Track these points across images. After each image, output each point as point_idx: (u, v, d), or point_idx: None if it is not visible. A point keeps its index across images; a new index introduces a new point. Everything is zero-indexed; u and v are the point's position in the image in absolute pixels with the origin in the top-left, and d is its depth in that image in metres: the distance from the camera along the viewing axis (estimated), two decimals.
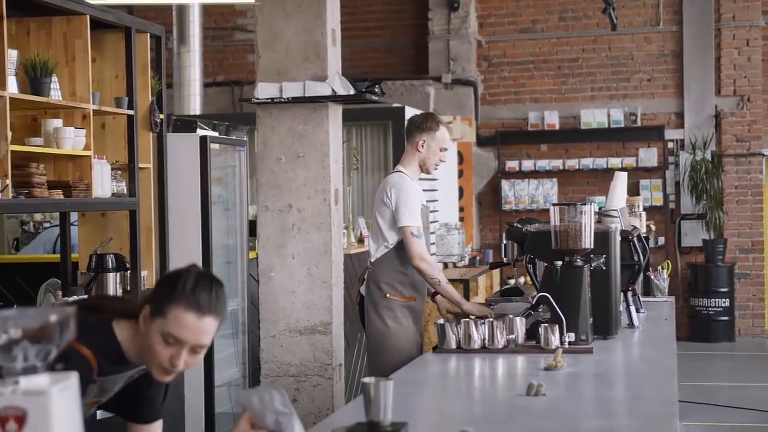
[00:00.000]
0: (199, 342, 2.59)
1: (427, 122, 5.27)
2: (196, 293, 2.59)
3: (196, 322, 2.57)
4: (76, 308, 2.57)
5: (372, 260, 5.29)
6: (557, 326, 4.19)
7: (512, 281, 11.91)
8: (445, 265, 10.22)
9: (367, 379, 2.72)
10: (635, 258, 5.03)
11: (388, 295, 5.16)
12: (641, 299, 5.58)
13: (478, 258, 11.06)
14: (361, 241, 7.83)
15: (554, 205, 4.43)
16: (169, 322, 2.57)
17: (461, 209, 12.31)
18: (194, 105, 10.33)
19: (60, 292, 5.39)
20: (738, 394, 9.27)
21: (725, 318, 12.18)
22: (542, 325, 4.22)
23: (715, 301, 12.13)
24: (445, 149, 5.29)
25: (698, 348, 11.88)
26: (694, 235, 12.46)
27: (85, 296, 4.95)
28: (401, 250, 5.13)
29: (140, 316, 2.63)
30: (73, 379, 1.80)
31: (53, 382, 1.76)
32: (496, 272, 11.18)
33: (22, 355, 1.75)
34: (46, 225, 8.37)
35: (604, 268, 4.50)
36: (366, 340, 5.37)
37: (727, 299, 12.16)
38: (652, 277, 6.37)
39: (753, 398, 8.94)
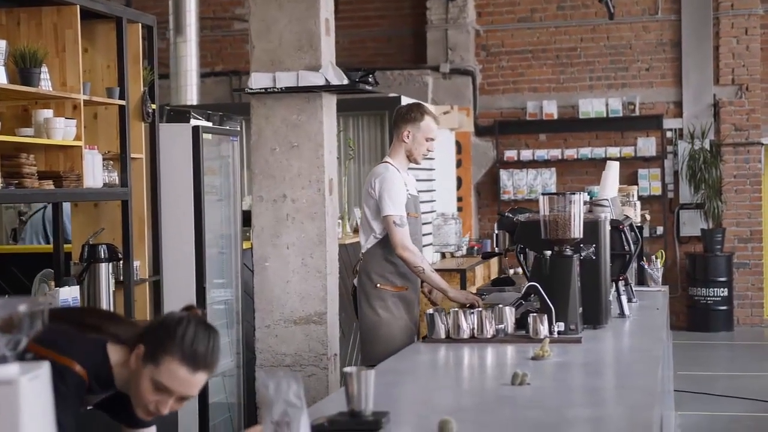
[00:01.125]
0: (189, 393, 2.60)
1: (411, 113, 5.28)
2: (194, 346, 2.57)
3: (189, 376, 2.57)
4: (71, 326, 2.58)
5: (363, 251, 5.31)
6: (546, 316, 4.20)
7: (511, 271, 11.92)
8: (443, 255, 10.23)
9: (348, 369, 2.74)
10: (626, 247, 5.02)
11: (378, 285, 5.18)
12: (634, 289, 5.57)
13: (476, 248, 11.06)
14: (356, 231, 7.83)
15: (544, 194, 4.44)
16: (162, 372, 2.56)
17: (460, 199, 12.31)
18: (191, 95, 10.32)
19: (53, 282, 5.40)
20: (736, 383, 9.28)
21: (724, 307, 12.18)
22: (531, 314, 4.22)
23: (714, 291, 12.13)
24: (431, 139, 5.28)
25: (697, 337, 11.88)
26: (692, 224, 12.46)
27: (81, 307, 4.87)
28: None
29: (133, 352, 2.61)
30: (43, 368, 1.80)
31: (23, 371, 1.76)
32: (494, 262, 11.18)
33: None
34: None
35: (594, 257, 4.50)
36: (359, 330, 5.38)
37: (726, 289, 12.16)
38: (646, 266, 6.36)
39: (751, 388, 8.94)
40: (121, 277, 5.56)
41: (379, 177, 5.16)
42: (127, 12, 5.64)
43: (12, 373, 1.76)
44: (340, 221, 7.90)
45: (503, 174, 12.79)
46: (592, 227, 4.52)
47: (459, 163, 12.36)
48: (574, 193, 4.40)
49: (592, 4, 12.44)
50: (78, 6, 5.08)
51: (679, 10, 12.54)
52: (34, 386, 1.76)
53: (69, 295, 5.01)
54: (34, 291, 5.60)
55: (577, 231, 4.38)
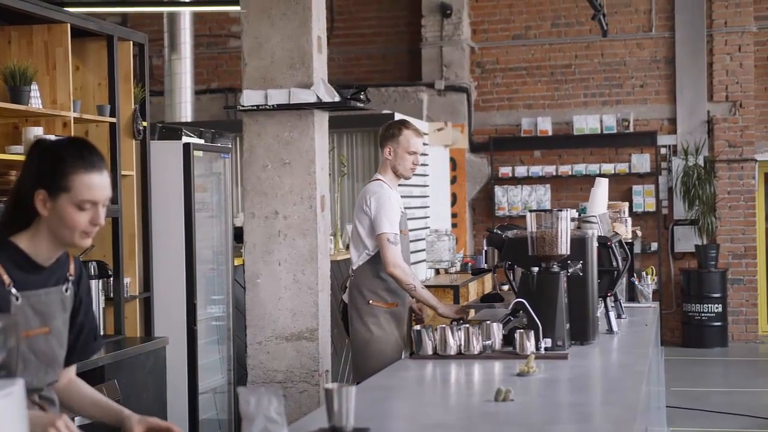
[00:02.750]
0: (108, 196, 2.70)
1: (389, 129, 5.39)
2: (85, 156, 2.66)
3: (101, 179, 2.67)
4: None
5: (354, 267, 5.34)
6: (533, 332, 4.21)
7: (506, 287, 11.91)
8: (437, 271, 10.24)
9: (329, 386, 2.75)
10: (614, 264, 5.03)
11: (371, 301, 5.21)
12: (623, 305, 5.58)
13: (470, 264, 11.07)
14: (348, 247, 7.84)
15: (531, 211, 4.45)
16: (78, 192, 2.63)
17: (454, 215, 12.33)
18: (185, 112, 10.36)
19: None
20: (730, 399, 9.27)
21: (718, 323, 12.18)
22: (518, 330, 4.23)
23: (708, 307, 12.14)
24: (414, 152, 5.33)
25: (691, 353, 11.88)
26: (686, 240, 12.47)
27: None
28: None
29: (36, 201, 2.65)
30: (17, 386, 1.81)
31: None
32: (488, 278, 11.19)
33: None
34: None
35: (581, 274, 4.51)
36: (351, 347, 5.40)
37: (720, 305, 12.16)
38: (636, 282, 6.37)
39: (745, 404, 8.94)
40: (111, 294, 5.57)
41: (375, 195, 5.22)
42: (118, 30, 5.67)
43: None
44: (332, 237, 7.92)
45: (498, 190, 12.82)
46: (579, 244, 4.53)
47: (454, 180, 12.39)
48: (561, 210, 4.41)
49: (587, 21, 12.48)
50: (69, 24, 5.12)
51: (673, 27, 12.59)
52: (7, 403, 1.78)
53: None
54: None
55: (564, 247, 4.39)
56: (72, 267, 2.83)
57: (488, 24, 13.09)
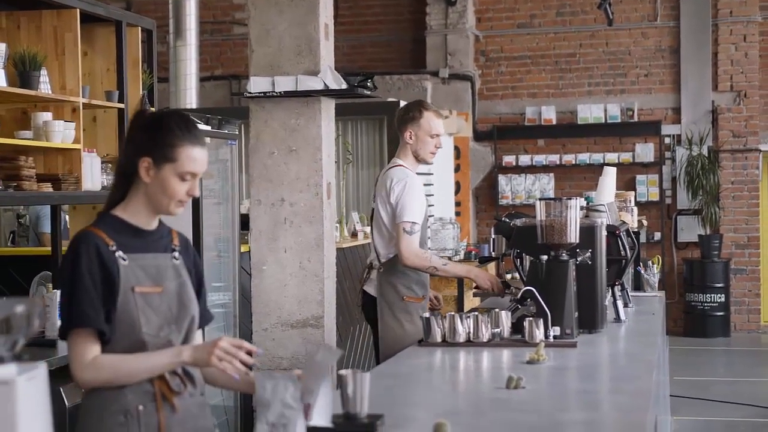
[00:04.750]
0: (205, 168, 2.86)
1: (409, 112, 5.19)
2: (192, 129, 2.82)
3: (203, 153, 2.84)
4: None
5: (382, 260, 5.18)
6: (542, 320, 4.21)
7: (508, 276, 11.92)
8: None
9: (343, 372, 2.75)
10: (622, 253, 5.03)
11: (405, 297, 5.09)
12: (630, 294, 5.58)
13: (474, 252, 11.07)
14: (354, 235, 7.85)
15: (540, 199, 4.45)
16: (183, 164, 2.78)
17: (458, 204, 12.33)
18: (190, 99, 10.34)
19: (51, 284, 5.41)
20: (732, 389, 9.29)
21: (721, 313, 12.20)
22: (527, 319, 4.23)
23: (711, 297, 12.15)
24: (437, 135, 5.15)
25: (693, 343, 11.90)
26: (690, 230, 12.48)
27: None
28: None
29: (139, 169, 2.78)
30: (40, 369, 1.82)
31: (20, 371, 1.78)
32: (492, 266, 11.19)
33: None
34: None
35: (590, 262, 4.51)
36: (380, 340, 5.30)
37: (723, 294, 12.18)
38: (642, 272, 6.37)
39: (747, 393, 8.96)
40: None
41: (400, 182, 5.05)
42: (127, 16, 5.66)
43: (9, 373, 1.77)
44: (337, 225, 7.91)
45: (501, 179, 12.82)
46: (588, 232, 4.53)
47: (457, 168, 12.38)
48: (570, 199, 4.41)
49: (591, 10, 12.46)
50: (78, 9, 5.11)
51: (678, 17, 12.57)
52: (30, 386, 1.78)
53: None
54: (32, 293, 5.61)
55: (573, 236, 4.39)
56: (176, 239, 2.96)
57: (493, 12, 13.06)
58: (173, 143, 2.76)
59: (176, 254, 2.92)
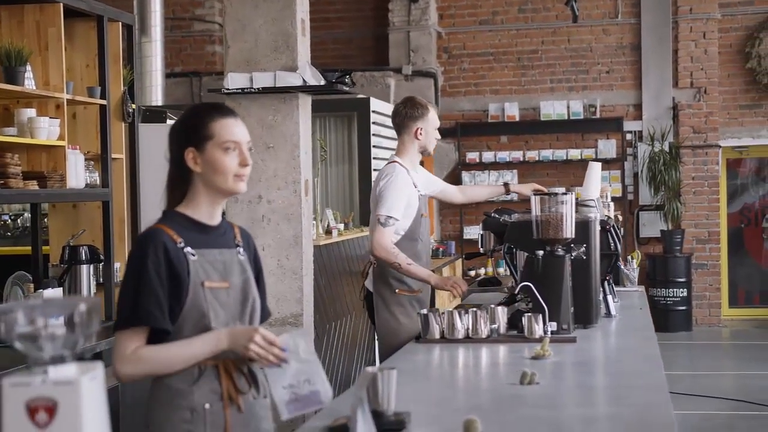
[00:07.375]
0: (247, 137, 2.88)
1: (417, 109, 5.26)
2: (217, 107, 2.89)
3: (236, 122, 2.87)
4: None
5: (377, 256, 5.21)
6: (540, 316, 4.21)
7: (482, 271, 11.97)
8: None
9: (371, 369, 2.72)
10: (612, 247, 5.06)
11: (397, 290, 5.12)
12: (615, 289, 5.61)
13: (441, 249, 11.08)
14: (329, 232, 7.81)
15: (535, 194, 4.45)
16: (220, 136, 2.81)
17: None
18: (156, 96, 10.21)
19: (31, 285, 5.31)
20: (696, 382, 9.39)
21: (683, 308, 12.33)
22: (526, 314, 4.23)
23: (673, 291, 12.27)
24: (437, 126, 5.38)
25: (657, 337, 11.97)
26: (652, 225, 12.59)
27: None
28: (407, 242, 5.08)
29: (187, 162, 2.82)
30: (99, 368, 1.77)
31: (82, 371, 1.74)
32: (459, 263, 11.22)
33: (50, 345, 1.72)
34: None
35: (585, 257, 4.52)
36: (378, 335, 5.31)
37: (685, 289, 12.30)
38: (622, 267, 6.41)
39: (711, 386, 9.06)
40: (101, 279, 5.49)
41: (387, 177, 5.12)
42: (108, 11, 5.57)
43: (72, 373, 1.73)
44: (313, 222, 7.87)
45: (465, 176, 12.83)
46: (582, 227, 4.54)
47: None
48: (565, 193, 4.42)
49: (554, 7, 12.53)
50: (62, 4, 5.01)
51: (639, 14, 12.67)
52: (92, 386, 1.74)
53: (54, 296, 4.94)
54: (5, 294, 5.50)
55: (568, 231, 4.39)
56: (238, 234, 2.96)
57: (455, 9, 13.08)
58: (204, 122, 2.81)
59: (241, 250, 2.93)
